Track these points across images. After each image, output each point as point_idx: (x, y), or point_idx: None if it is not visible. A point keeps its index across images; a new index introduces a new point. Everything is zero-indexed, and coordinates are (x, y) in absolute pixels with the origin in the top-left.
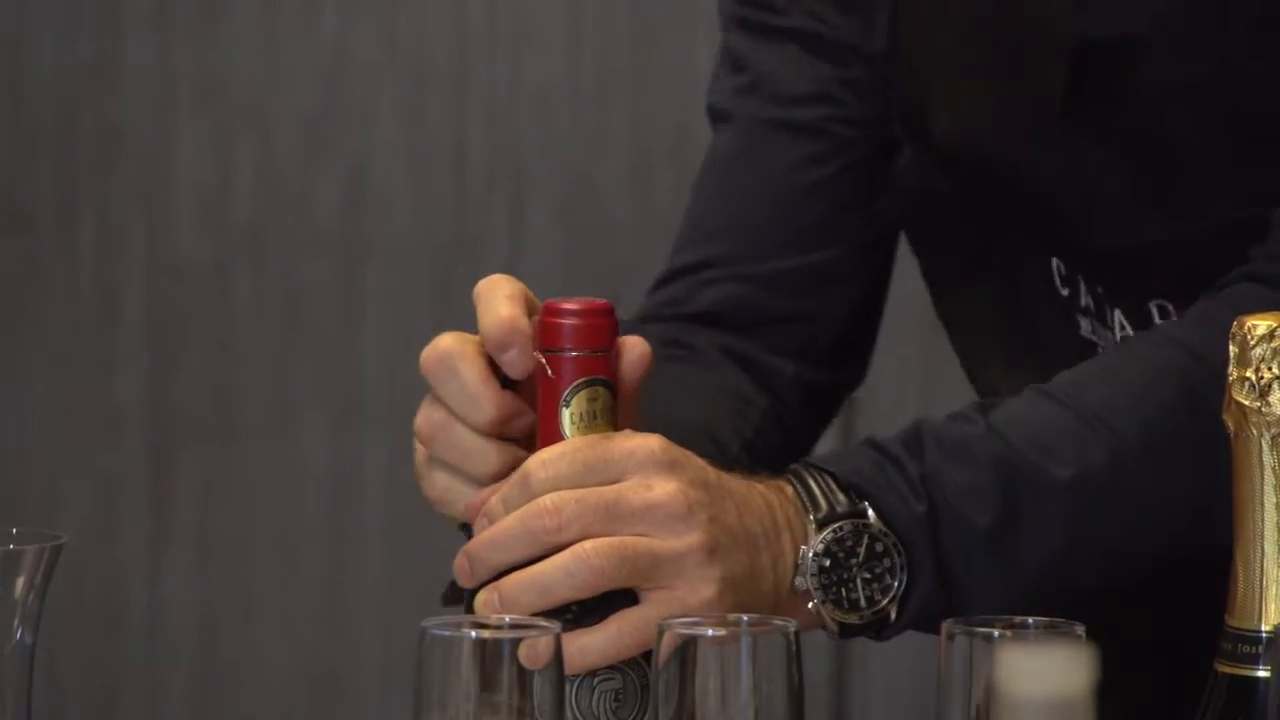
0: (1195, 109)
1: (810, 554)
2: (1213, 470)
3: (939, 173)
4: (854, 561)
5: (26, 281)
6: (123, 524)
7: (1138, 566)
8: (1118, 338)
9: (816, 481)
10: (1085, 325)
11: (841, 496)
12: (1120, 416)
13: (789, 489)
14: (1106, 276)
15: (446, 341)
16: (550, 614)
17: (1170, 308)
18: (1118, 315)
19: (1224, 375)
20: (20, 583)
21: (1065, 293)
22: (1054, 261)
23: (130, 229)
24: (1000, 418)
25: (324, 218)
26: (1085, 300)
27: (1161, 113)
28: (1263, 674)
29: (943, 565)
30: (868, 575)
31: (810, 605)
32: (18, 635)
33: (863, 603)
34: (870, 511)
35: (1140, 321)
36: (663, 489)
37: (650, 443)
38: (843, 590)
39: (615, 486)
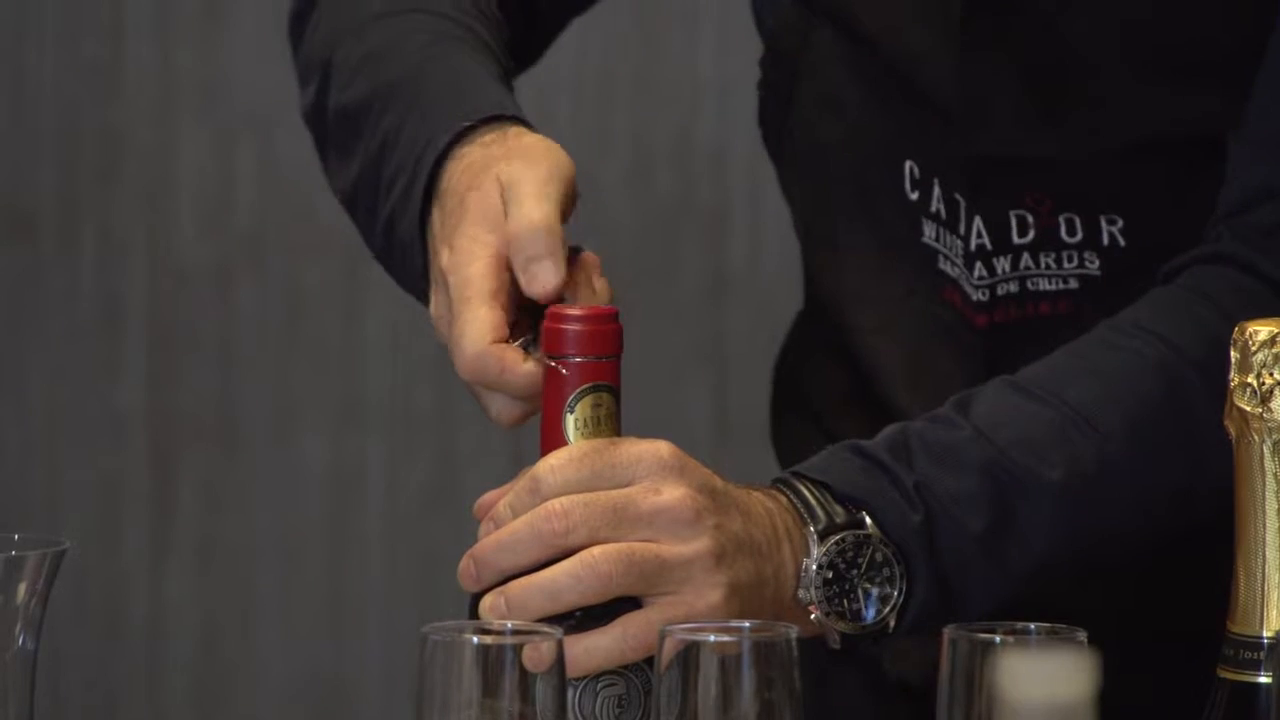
0: (1092, 27)
1: (814, 566)
2: (1194, 454)
3: (818, 21)
4: (855, 573)
5: (28, 286)
6: (124, 529)
7: (1126, 552)
8: (973, 247)
9: (811, 492)
10: (929, 231)
11: (839, 508)
12: (1104, 414)
13: (782, 498)
14: (972, 183)
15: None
16: (554, 620)
17: (1030, 219)
18: (977, 222)
19: (1198, 362)
20: (22, 588)
21: (914, 197)
22: (908, 164)
23: (132, 234)
24: (985, 420)
25: (327, 222)
26: (936, 206)
27: (1058, 27)
28: (1265, 680)
29: (939, 572)
30: (868, 586)
31: (812, 617)
32: (20, 641)
33: (864, 614)
34: (869, 521)
35: (998, 232)
36: (671, 494)
37: (659, 448)
38: (845, 601)
39: (624, 490)
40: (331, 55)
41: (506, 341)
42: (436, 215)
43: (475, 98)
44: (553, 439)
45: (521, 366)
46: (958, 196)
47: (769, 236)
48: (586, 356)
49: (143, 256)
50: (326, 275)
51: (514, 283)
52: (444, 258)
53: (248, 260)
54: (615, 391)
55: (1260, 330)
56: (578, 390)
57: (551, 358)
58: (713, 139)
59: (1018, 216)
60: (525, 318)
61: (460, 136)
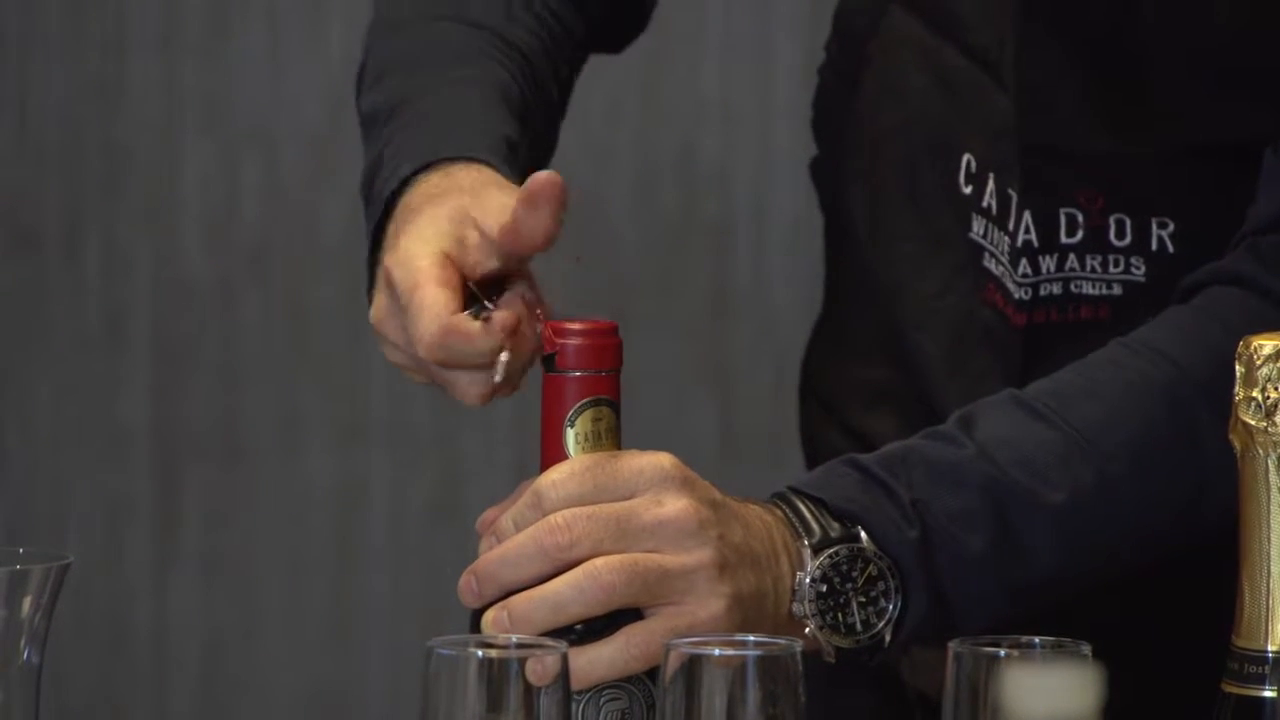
0: (1161, 26)
1: (807, 580)
2: (1199, 477)
3: (891, 6)
4: (849, 586)
5: (33, 301)
6: (129, 544)
7: (1128, 569)
8: (1019, 243)
9: (807, 507)
10: (977, 227)
11: (834, 522)
12: (1106, 436)
13: (779, 512)
14: (1026, 176)
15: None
16: (556, 634)
17: (1080, 218)
18: (1026, 218)
19: (1205, 385)
20: (27, 603)
21: (967, 190)
22: (965, 157)
23: (136, 249)
24: (987, 439)
25: (330, 237)
26: (988, 200)
27: (1125, 22)
28: (1269, 694)
29: (936, 588)
30: (863, 599)
31: (807, 630)
32: (25, 655)
33: (859, 627)
34: (863, 535)
35: (1047, 230)
36: (674, 505)
37: (660, 460)
38: (839, 615)
39: (627, 502)
40: (368, 52)
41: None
42: (390, 227)
43: (453, 136)
44: (553, 453)
45: (479, 328)
46: (1011, 191)
47: (773, 252)
48: (586, 371)
49: (147, 271)
50: (330, 289)
51: (461, 278)
52: (388, 256)
53: (252, 275)
54: (615, 405)
55: (1265, 344)
56: (578, 404)
57: (551, 372)
58: (717, 155)
59: (1067, 215)
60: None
61: (425, 168)
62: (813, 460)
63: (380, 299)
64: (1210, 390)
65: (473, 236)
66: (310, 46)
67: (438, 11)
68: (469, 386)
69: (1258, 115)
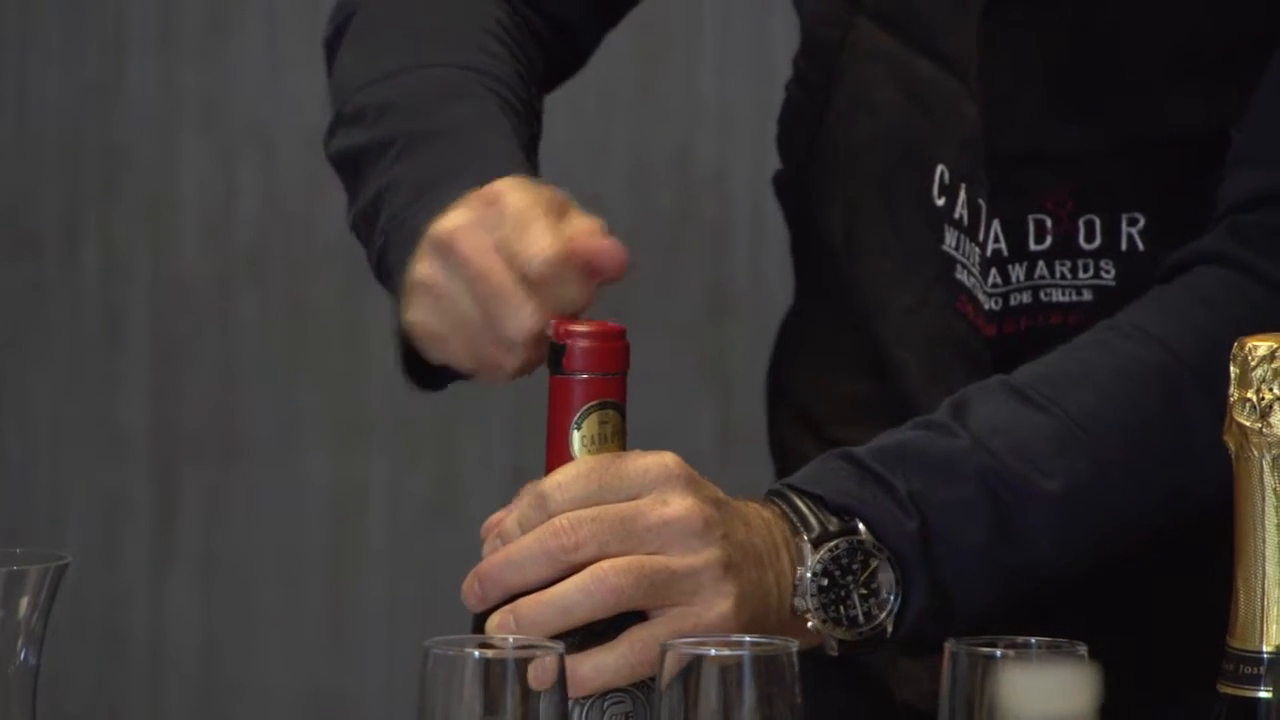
0: (1123, 20)
1: (808, 574)
2: (1191, 463)
3: (859, 19)
4: (850, 579)
5: (31, 302)
6: (126, 544)
7: (1125, 553)
8: (988, 253)
9: (804, 503)
10: (950, 238)
11: (832, 517)
12: (1100, 422)
13: (776, 509)
14: (994, 183)
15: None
16: (556, 637)
17: (1048, 224)
18: (995, 227)
19: (1196, 368)
20: (24, 603)
21: (940, 202)
22: (938, 169)
23: (134, 249)
24: (982, 427)
25: (328, 236)
26: (960, 212)
27: (1085, 19)
28: (1264, 695)
29: (936, 579)
30: (864, 592)
31: (809, 625)
32: (21, 656)
33: (861, 619)
34: (862, 528)
35: (1015, 238)
36: (679, 505)
37: (665, 459)
38: (841, 608)
39: (632, 503)
40: (344, 105)
41: None
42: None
43: (501, 165)
44: (559, 455)
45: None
46: (980, 201)
47: (770, 252)
48: (594, 373)
49: (145, 271)
50: (328, 289)
51: None
52: (494, 184)
53: (250, 274)
54: (622, 408)
55: (1260, 345)
56: (584, 407)
57: (558, 374)
58: (714, 155)
59: (1036, 221)
60: None
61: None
62: (784, 468)
63: (463, 214)
64: (1200, 371)
65: None
66: (309, 46)
67: (419, 60)
68: (526, 321)
69: (1224, 101)
